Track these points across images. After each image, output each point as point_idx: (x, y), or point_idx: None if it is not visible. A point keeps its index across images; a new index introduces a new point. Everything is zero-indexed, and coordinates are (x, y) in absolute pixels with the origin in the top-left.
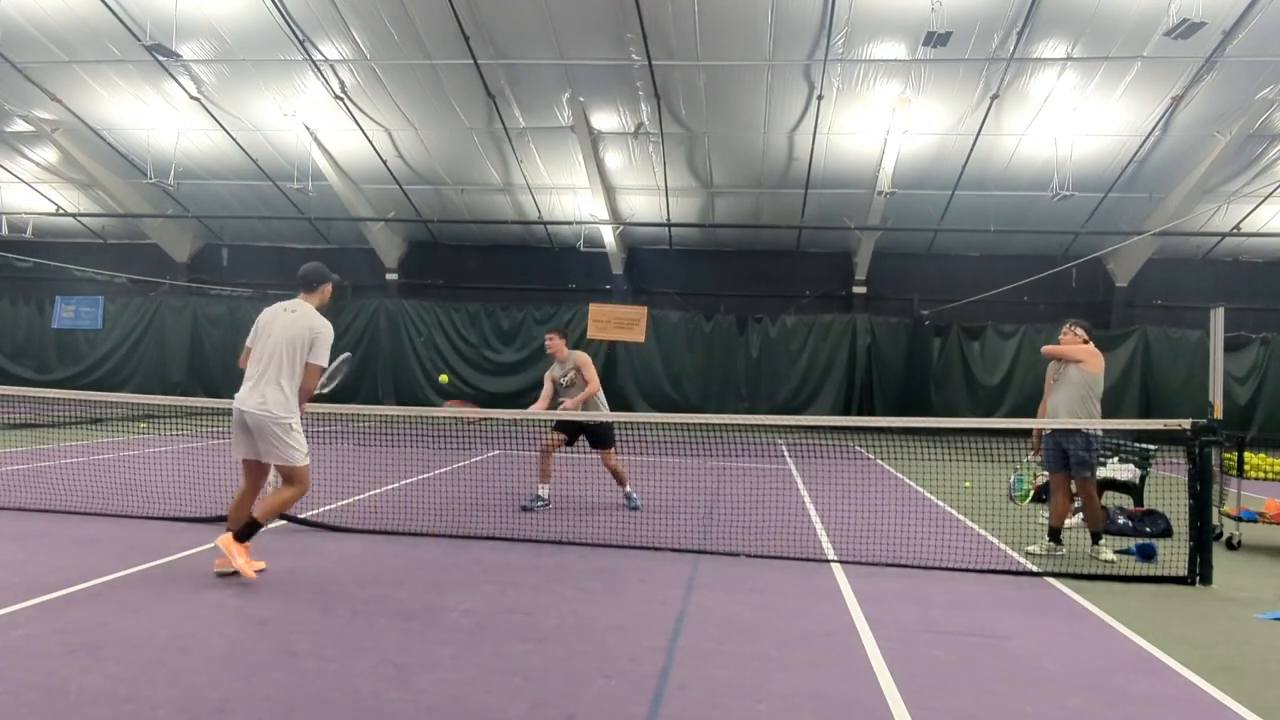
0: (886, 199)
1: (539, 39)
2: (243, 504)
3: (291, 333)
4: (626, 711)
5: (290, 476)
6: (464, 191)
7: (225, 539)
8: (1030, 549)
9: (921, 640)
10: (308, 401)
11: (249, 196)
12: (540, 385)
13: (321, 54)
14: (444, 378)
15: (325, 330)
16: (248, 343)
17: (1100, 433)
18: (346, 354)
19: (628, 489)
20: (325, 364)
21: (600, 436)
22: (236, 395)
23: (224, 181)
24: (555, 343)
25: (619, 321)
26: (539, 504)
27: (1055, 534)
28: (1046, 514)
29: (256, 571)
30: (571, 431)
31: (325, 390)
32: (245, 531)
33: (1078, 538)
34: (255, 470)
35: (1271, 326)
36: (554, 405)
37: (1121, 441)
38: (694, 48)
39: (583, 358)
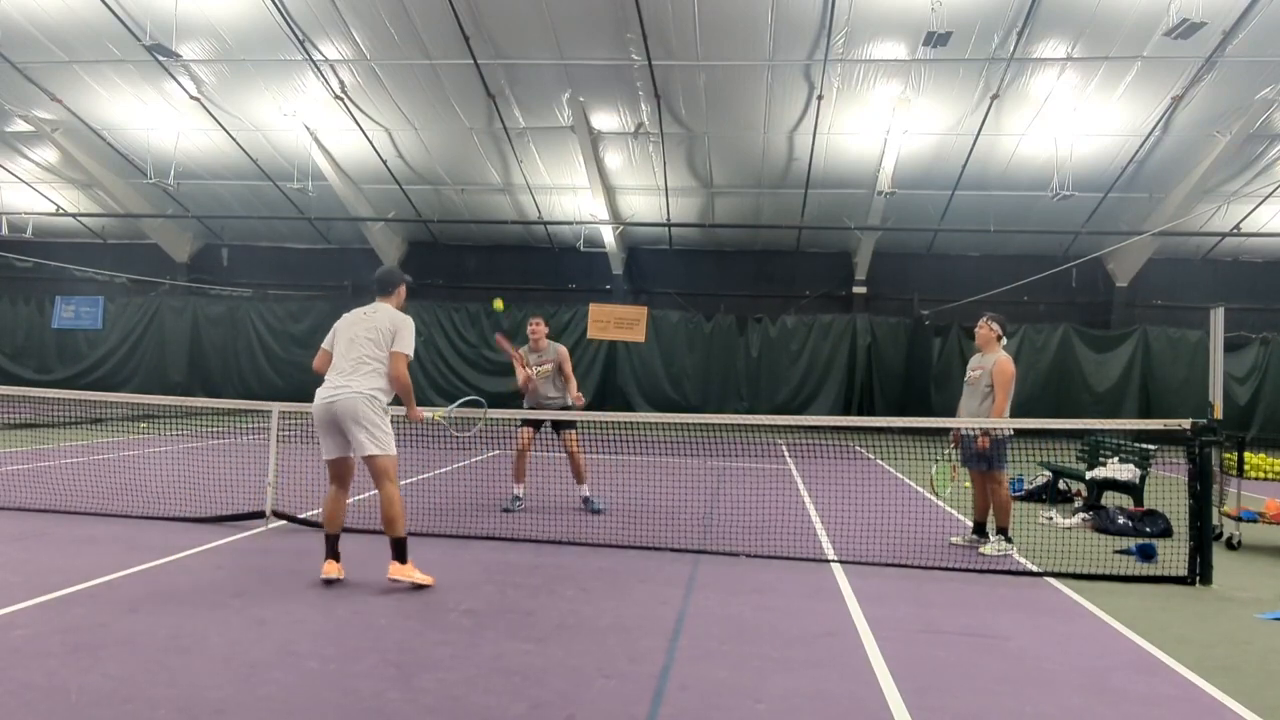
0: (886, 199)
1: (539, 39)
2: (336, 508)
3: (372, 325)
4: (626, 711)
5: (385, 470)
6: (464, 191)
7: (394, 567)
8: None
9: (921, 640)
10: (403, 395)
11: (249, 196)
12: None
13: (321, 54)
14: (499, 304)
15: (406, 321)
16: (324, 345)
17: (1010, 432)
18: (475, 404)
19: (586, 490)
20: (409, 352)
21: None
22: (317, 394)
23: (224, 181)
24: (541, 329)
25: (619, 321)
26: (517, 504)
27: (979, 528)
28: (1050, 514)
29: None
30: (537, 422)
31: (451, 424)
32: (399, 552)
33: (1076, 538)
34: (344, 469)
35: (1271, 326)
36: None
37: (1121, 441)
38: (694, 48)
39: (564, 351)
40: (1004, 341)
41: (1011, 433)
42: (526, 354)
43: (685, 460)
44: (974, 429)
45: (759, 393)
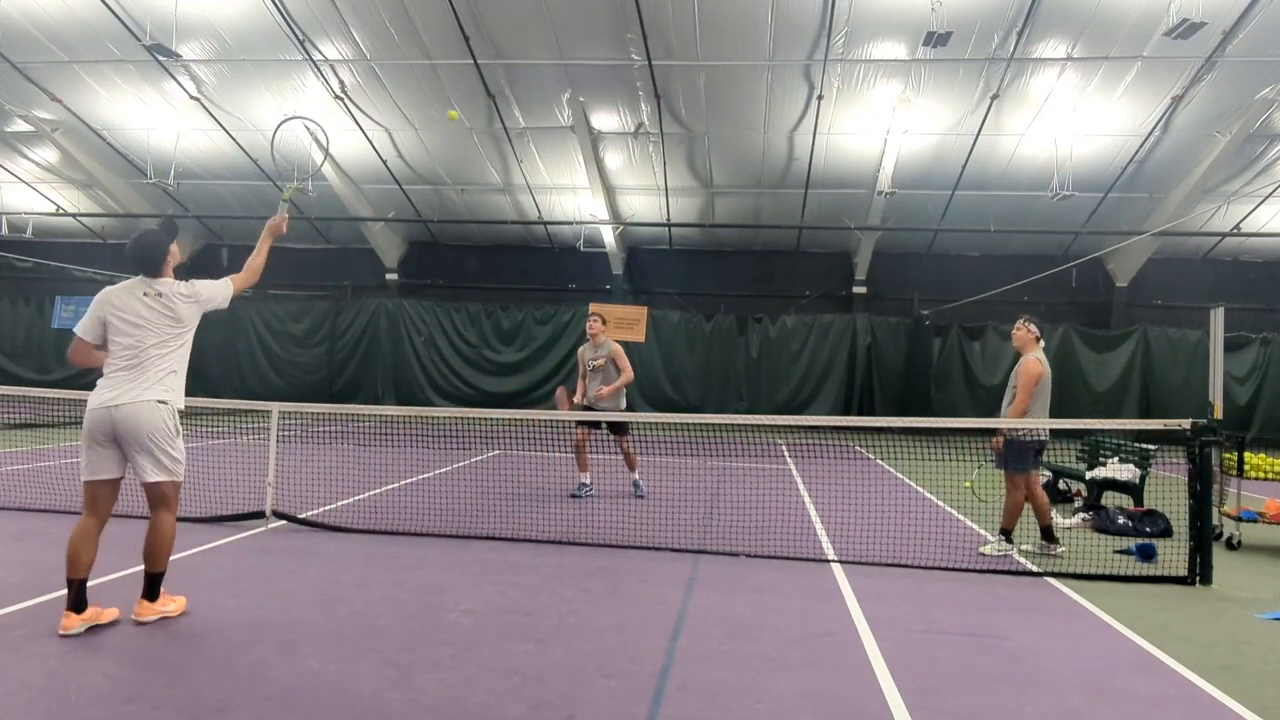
0: (886, 199)
1: (539, 39)
2: (89, 545)
3: (171, 311)
4: (626, 711)
5: (165, 497)
6: (464, 191)
7: (144, 607)
8: (1024, 546)
9: (922, 640)
10: (259, 261)
11: (249, 196)
12: (539, 385)
13: (321, 54)
14: (453, 114)
15: (198, 286)
16: (82, 332)
17: (1040, 436)
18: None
19: (636, 475)
20: (229, 285)
21: (618, 424)
22: (93, 396)
23: (224, 181)
24: (598, 326)
25: (619, 321)
26: (585, 490)
27: (1046, 532)
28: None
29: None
30: (594, 422)
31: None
32: (153, 588)
33: (1076, 538)
34: (110, 495)
35: (1271, 326)
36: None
37: (1121, 441)
38: (694, 48)
39: (617, 347)
40: (1042, 344)
41: (1043, 436)
42: (585, 350)
43: (685, 460)
44: (1007, 430)
45: (759, 393)
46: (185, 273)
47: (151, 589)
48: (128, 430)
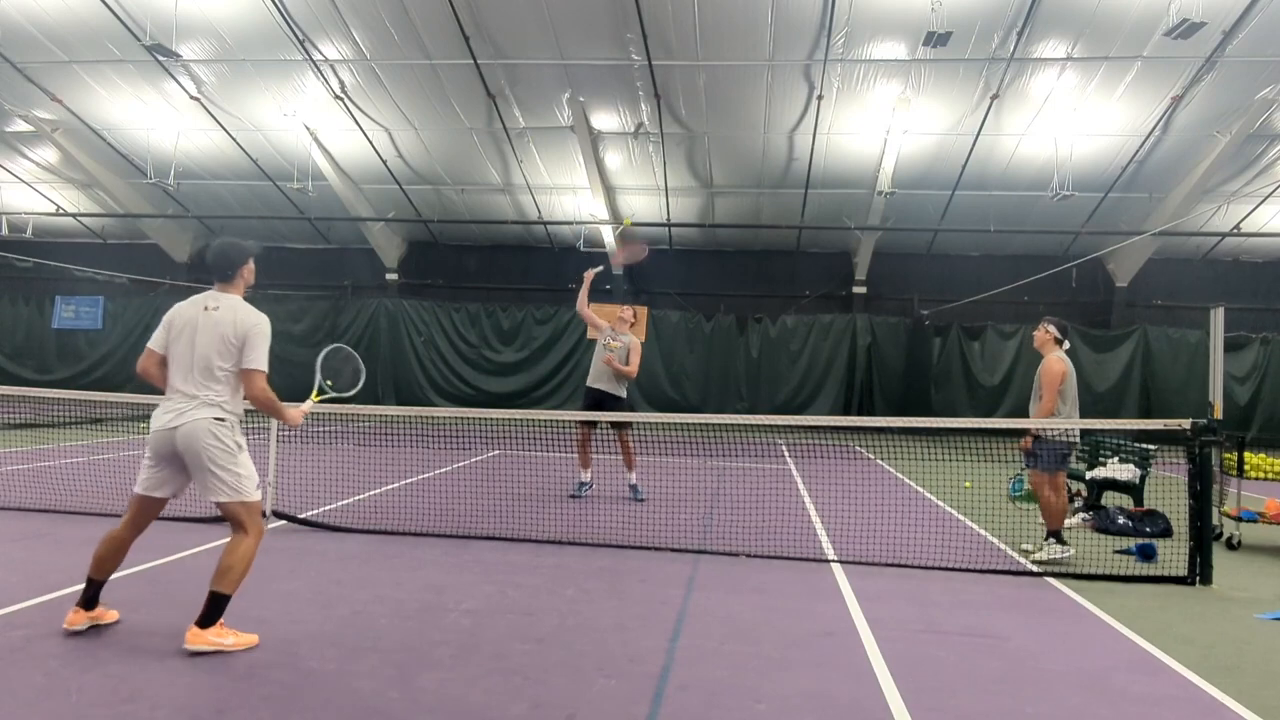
0: (886, 199)
1: (539, 39)
2: (119, 552)
3: (219, 333)
4: (626, 711)
5: (237, 518)
6: (464, 191)
7: (195, 634)
8: (1029, 550)
9: (922, 640)
10: (270, 412)
11: (249, 196)
12: (539, 385)
13: (321, 54)
14: (627, 220)
15: (257, 326)
16: (153, 344)
17: (1067, 436)
18: (337, 348)
19: (634, 479)
20: (264, 366)
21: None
22: (154, 418)
23: (224, 181)
24: (630, 314)
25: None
26: (585, 490)
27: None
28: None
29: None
30: (593, 416)
31: (344, 393)
32: (213, 614)
33: (1076, 538)
34: (154, 511)
35: (1271, 326)
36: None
37: (1121, 441)
38: (694, 48)
39: (636, 342)
40: (1066, 345)
41: (1073, 437)
42: (607, 332)
43: (685, 460)
44: (1038, 430)
45: (759, 393)
46: (187, 272)
47: (209, 611)
48: (188, 451)
